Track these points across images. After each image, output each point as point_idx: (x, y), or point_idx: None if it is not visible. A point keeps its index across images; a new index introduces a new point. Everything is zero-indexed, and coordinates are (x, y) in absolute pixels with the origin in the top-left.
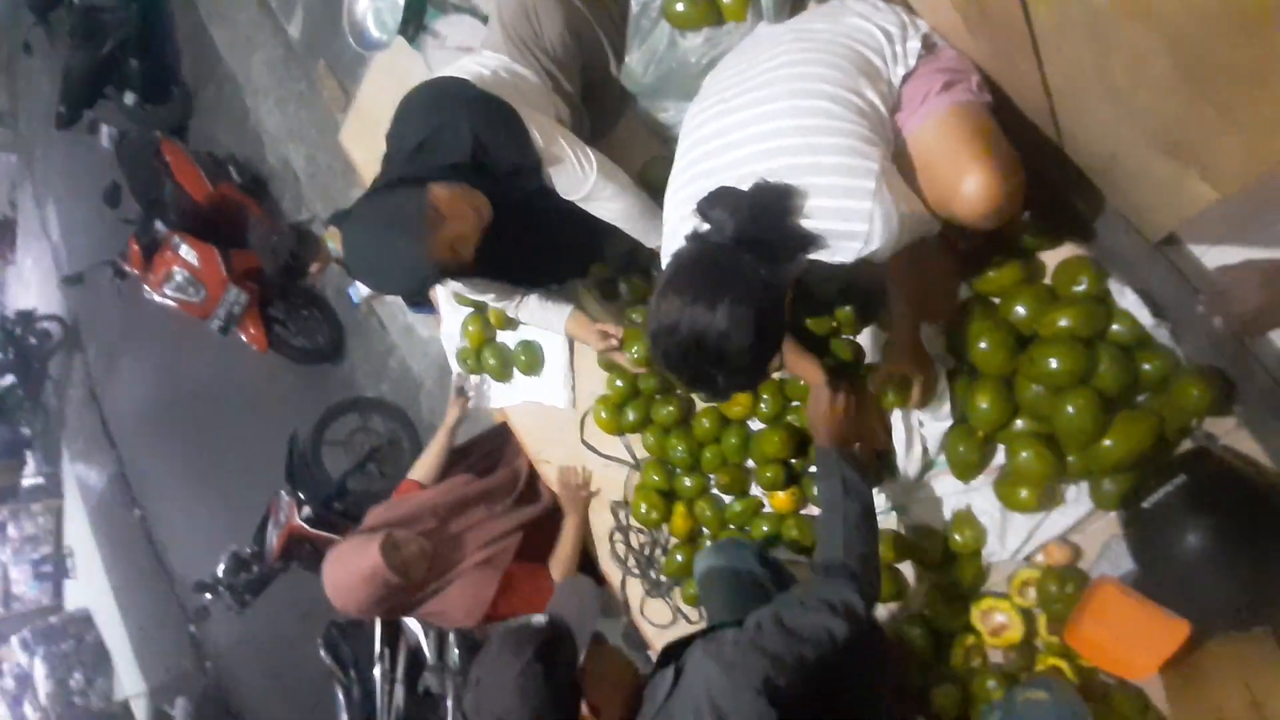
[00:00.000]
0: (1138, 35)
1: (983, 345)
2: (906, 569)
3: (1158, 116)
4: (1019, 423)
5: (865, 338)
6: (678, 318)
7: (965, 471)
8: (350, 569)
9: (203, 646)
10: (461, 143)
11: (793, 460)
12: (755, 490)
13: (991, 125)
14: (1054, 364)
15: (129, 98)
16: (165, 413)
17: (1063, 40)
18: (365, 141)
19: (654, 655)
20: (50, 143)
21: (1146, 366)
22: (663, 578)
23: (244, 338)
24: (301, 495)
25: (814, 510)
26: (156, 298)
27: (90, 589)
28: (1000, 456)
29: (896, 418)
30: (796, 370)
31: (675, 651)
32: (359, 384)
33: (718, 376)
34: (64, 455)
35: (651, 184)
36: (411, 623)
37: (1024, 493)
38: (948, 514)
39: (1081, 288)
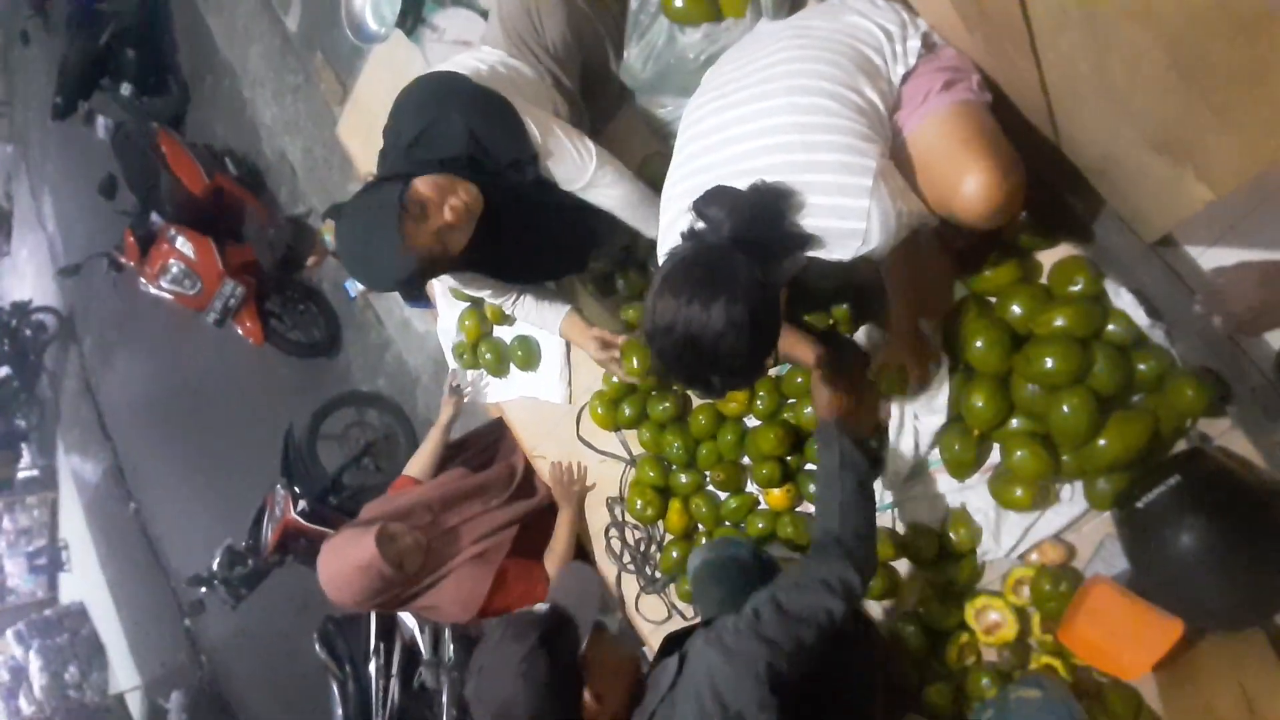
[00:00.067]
0: (1135, 35)
1: (978, 344)
2: (901, 566)
3: (1154, 116)
4: (1014, 422)
5: (861, 335)
6: (673, 318)
7: (960, 470)
8: (345, 561)
9: (198, 641)
10: (456, 137)
11: (788, 457)
12: (751, 487)
13: (992, 125)
14: (1049, 363)
15: (125, 89)
16: (161, 406)
17: (1060, 39)
18: (362, 135)
19: (649, 651)
20: (46, 133)
21: (1142, 367)
22: (658, 574)
23: (240, 331)
24: (297, 489)
25: (810, 508)
26: (152, 290)
27: (85, 582)
28: (995, 455)
29: (892, 408)
30: (792, 353)
31: (677, 641)
32: (355, 378)
33: (713, 376)
34: (59, 448)
35: (650, 180)
36: (407, 618)
37: (1019, 491)
38: (942, 512)
39: (1077, 288)
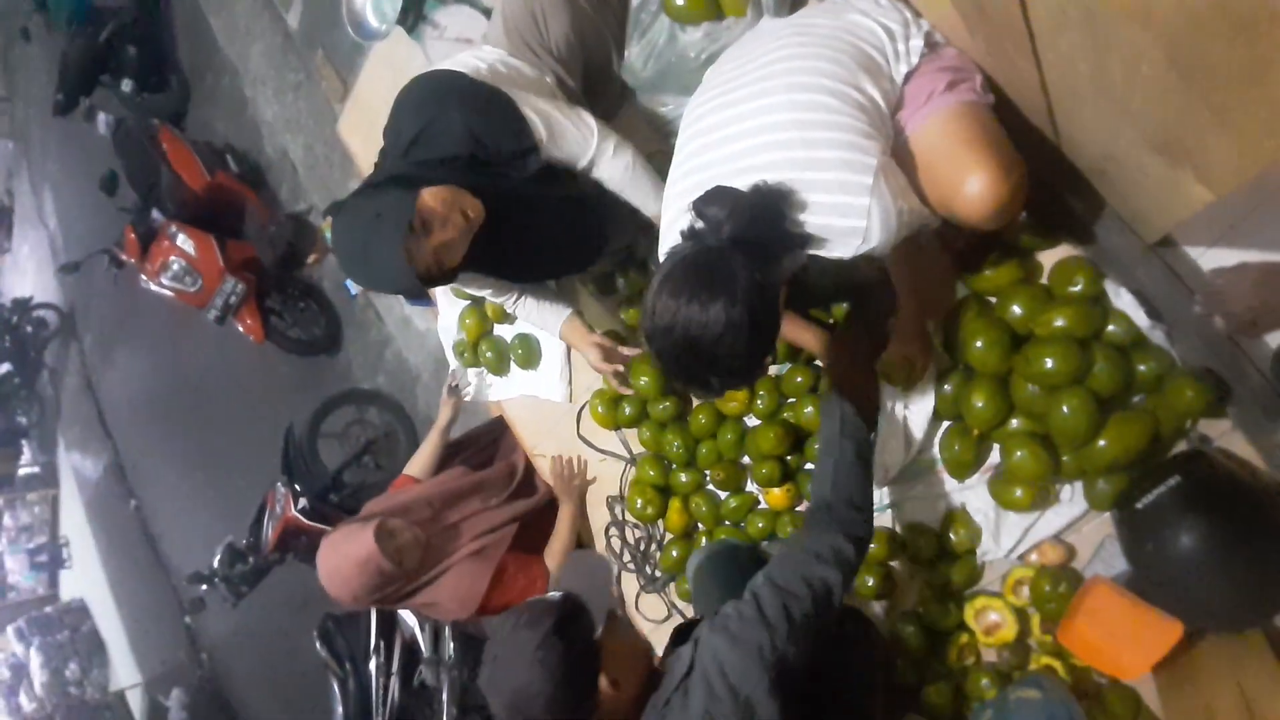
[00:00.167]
0: (1134, 35)
1: (979, 344)
2: (901, 567)
3: (1154, 117)
4: (1014, 422)
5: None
6: (672, 319)
7: (960, 470)
8: (344, 556)
9: (198, 638)
10: (455, 136)
11: (788, 457)
12: (751, 486)
13: (995, 126)
14: (1049, 364)
15: (126, 85)
16: (161, 403)
17: (1060, 40)
18: (363, 132)
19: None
20: (47, 130)
21: (1141, 367)
22: (658, 573)
23: (240, 328)
24: (298, 487)
25: None
26: (153, 287)
27: (86, 579)
28: (995, 456)
29: (885, 400)
30: (795, 340)
31: (686, 632)
32: (355, 376)
33: (712, 376)
34: (60, 444)
35: None
36: (407, 616)
37: (1018, 492)
38: (942, 513)
39: (1078, 288)
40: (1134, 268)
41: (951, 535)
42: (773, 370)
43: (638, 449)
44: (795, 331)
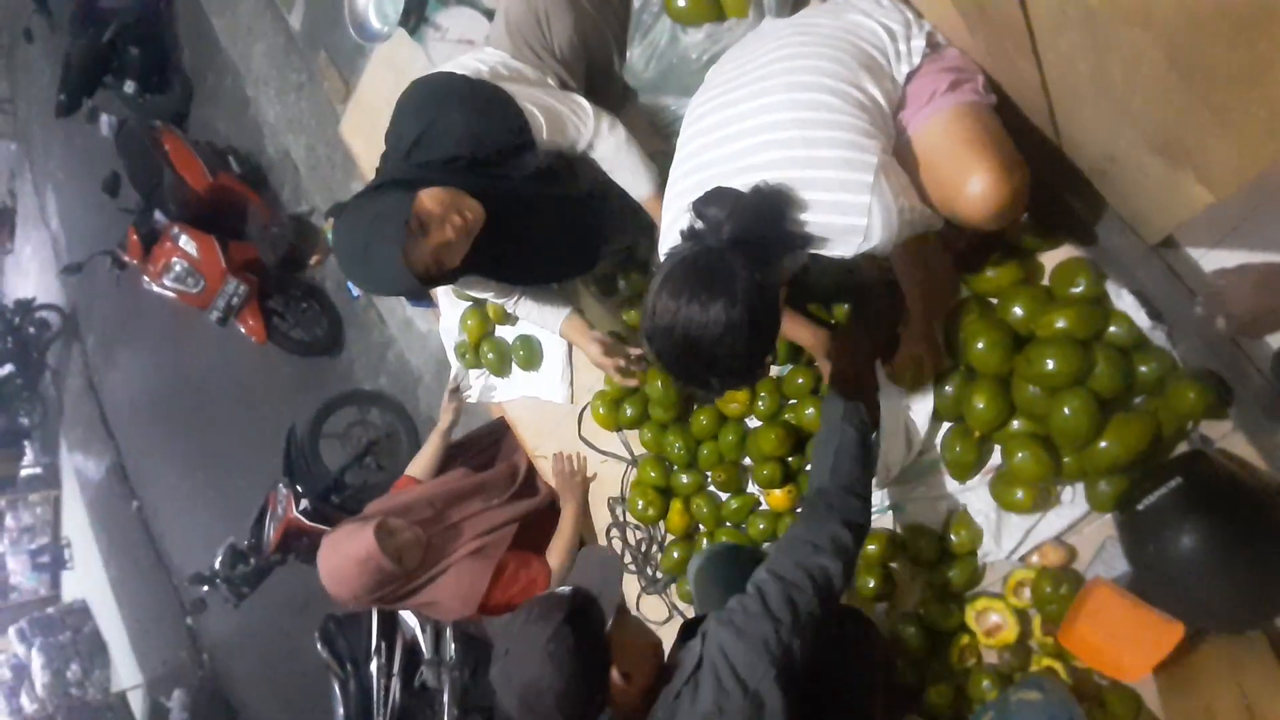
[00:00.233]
0: (1134, 36)
1: (980, 345)
2: (902, 568)
3: (1154, 118)
4: (1015, 423)
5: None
6: (672, 319)
7: (961, 471)
8: (345, 554)
9: (200, 639)
10: (454, 136)
11: (790, 458)
12: (752, 488)
13: (997, 127)
14: (1051, 365)
15: (129, 86)
16: (163, 404)
17: (1060, 40)
18: (365, 133)
19: None
20: (50, 131)
21: (1143, 369)
22: (659, 574)
23: (242, 329)
24: (299, 488)
25: None
26: (155, 288)
27: (88, 580)
28: (996, 457)
29: (884, 397)
30: (796, 338)
31: (692, 628)
32: (357, 377)
33: (711, 377)
34: (62, 445)
35: None
36: (408, 617)
37: (1020, 493)
38: (943, 514)
39: (1079, 289)
40: (1135, 269)
41: (953, 536)
42: (774, 372)
43: (639, 450)
44: (796, 330)
